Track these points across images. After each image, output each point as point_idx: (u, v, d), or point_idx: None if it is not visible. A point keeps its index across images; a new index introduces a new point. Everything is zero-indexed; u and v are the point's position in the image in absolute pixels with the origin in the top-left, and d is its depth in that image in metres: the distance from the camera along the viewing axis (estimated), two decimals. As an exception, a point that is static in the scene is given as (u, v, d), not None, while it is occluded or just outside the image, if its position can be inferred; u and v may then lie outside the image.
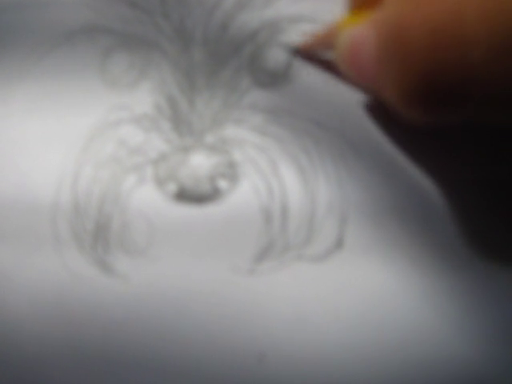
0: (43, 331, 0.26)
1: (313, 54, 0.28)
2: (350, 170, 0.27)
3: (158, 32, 0.28)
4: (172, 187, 0.27)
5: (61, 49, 0.28)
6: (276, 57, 0.28)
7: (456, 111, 0.23)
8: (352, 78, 0.26)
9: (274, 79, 0.27)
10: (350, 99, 0.27)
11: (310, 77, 0.28)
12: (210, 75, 0.27)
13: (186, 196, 0.27)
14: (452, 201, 0.27)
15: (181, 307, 0.26)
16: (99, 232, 0.27)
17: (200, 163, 0.27)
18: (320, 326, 0.26)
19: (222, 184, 0.27)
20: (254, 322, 0.26)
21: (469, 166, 0.27)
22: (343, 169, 0.27)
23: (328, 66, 0.27)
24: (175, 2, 0.28)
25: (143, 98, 0.28)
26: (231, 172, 0.27)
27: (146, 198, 0.27)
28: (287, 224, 0.27)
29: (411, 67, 0.22)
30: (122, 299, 0.27)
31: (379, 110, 0.27)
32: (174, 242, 0.27)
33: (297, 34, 0.28)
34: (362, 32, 0.24)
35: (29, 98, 0.28)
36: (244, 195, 0.27)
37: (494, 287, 0.26)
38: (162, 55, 0.28)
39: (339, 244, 0.26)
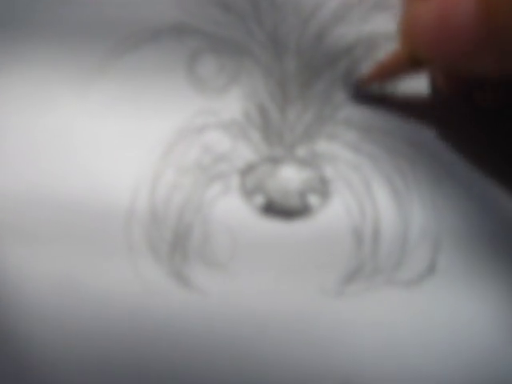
0: (110, 344, 0.25)
1: (375, 89, 0.27)
2: (445, 193, 0.26)
3: (250, 37, 0.27)
4: (259, 199, 0.26)
5: (145, 47, 0.27)
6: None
7: None
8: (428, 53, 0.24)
9: (368, 96, 0.27)
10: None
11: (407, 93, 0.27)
12: (303, 86, 0.27)
13: (274, 210, 0.26)
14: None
15: (261, 328, 0.25)
16: (177, 242, 0.26)
17: (290, 176, 0.26)
18: (408, 354, 0.25)
19: (313, 200, 0.26)
20: (339, 346, 0.25)
21: None
22: (438, 192, 0.26)
23: (392, 102, 0.27)
24: (269, 7, 0.27)
25: (232, 104, 0.27)
26: (322, 188, 0.26)
27: (231, 209, 0.26)
28: (378, 246, 0.26)
29: None
30: (198, 315, 0.25)
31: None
32: (257, 257, 0.25)
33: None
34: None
35: (108, 96, 0.27)
36: (335, 213, 0.26)
37: None
38: (254, 62, 0.27)
39: (431, 269, 0.25)
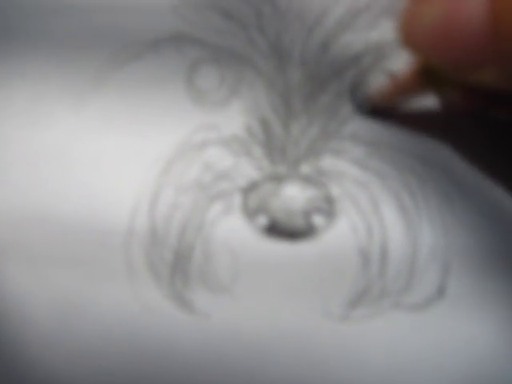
0: (110, 368, 0.24)
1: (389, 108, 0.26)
2: (455, 212, 0.25)
3: (252, 47, 0.26)
4: (262, 220, 0.25)
5: (143, 58, 0.26)
6: (380, 84, 0.26)
7: None
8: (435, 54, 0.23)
9: (375, 109, 0.26)
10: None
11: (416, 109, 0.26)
12: (307, 99, 0.25)
13: (278, 230, 0.25)
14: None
15: (265, 352, 0.24)
16: (178, 263, 0.25)
17: (294, 195, 0.25)
18: (415, 380, 0.24)
19: (318, 220, 0.25)
20: (344, 372, 0.24)
21: None
22: (449, 211, 0.25)
23: (406, 120, 0.26)
24: (272, 15, 0.26)
25: (233, 119, 0.26)
26: (328, 207, 0.25)
27: (233, 230, 0.25)
28: (386, 268, 0.25)
29: None
30: (200, 339, 0.24)
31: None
32: (261, 279, 0.25)
33: (403, 61, 0.26)
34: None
35: (105, 110, 0.26)
36: (341, 234, 0.25)
37: None
38: (256, 73, 0.26)
39: (441, 292, 0.25)
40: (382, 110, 0.25)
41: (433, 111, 0.26)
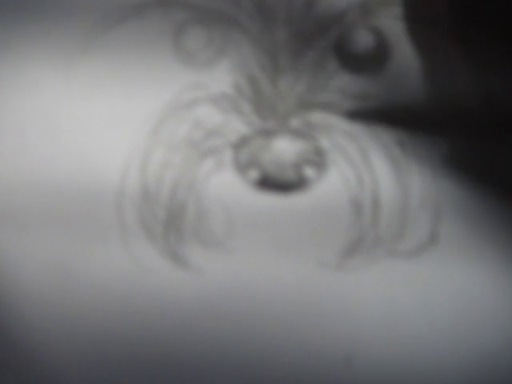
0: (108, 328, 0.25)
1: None
2: (445, 159, 0.26)
3: (237, 7, 0.27)
4: (253, 174, 0.25)
5: (130, 22, 0.27)
6: (365, 40, 0.26)
7: None
8: None
9: (362, 64, 0.26)
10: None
11: (403, 62, 0.27)
12: (294, 55, 0.26)
13: (269, 184, 0.25)
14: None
15: (261, 305, 0.25)
16: (171, 221, 0.25)
17: (284, 149, 0.26)
18: (412, 326, 0.25)
19: (309, 172, 0.25)
20: (341, 321, 0.25)
21: None
22: (438, 159, 0.26)
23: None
24: (256, -24, 0.27)
25: (221, 77, 0.26)
26: (318, 159, 0.25)
27: (225, 185, 0.26)
28: (378, 217, 0.25)
29: None
30: (196, 295, 0.25)
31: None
32: (254, 233, 0.25)
33: (386, 17, 0.27)
34: None
35: (93, 74, 0.27)
36: (332, 185, 0.25)
37: None
38: (242, 32, 0.26)
39: (433, 239, 0.25)
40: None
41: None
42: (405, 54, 0.27)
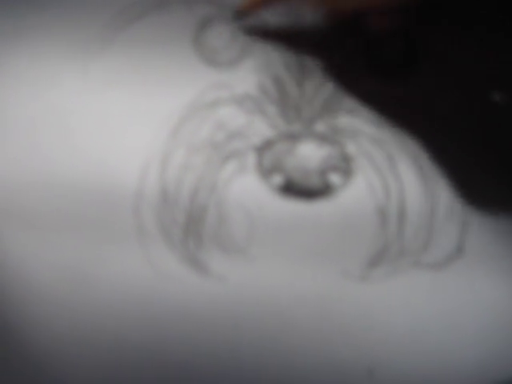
0: (124, 334, 0.24)
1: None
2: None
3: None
4: (277, 179, 0.25)
5: (151, 17, 0.26)
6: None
7: None
8: None
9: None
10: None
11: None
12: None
13: (293, 189, 0.25)
14: None
15: (282, 314, 0.24)
16: (191, 225, 0.25)
17: (309, 154, 0.25)
18: (436, 338, 0.24)
19: (334, 178, 0.25)
20: (364, 332, 0.24)
21: None
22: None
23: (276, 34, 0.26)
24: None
25: (246, 77, 0.26)
26: (344, 165, 0.25)
27: (247, 190, 0.25)
28: (404, 227, 0.25)
29: None
30: (215, 302, 0.24)
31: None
32: (277, 240, 0.25)
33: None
34: None
35: (111, 71, 0.26)
36: (358, 192, 0.25)
37: None
38: (268, 31, 0.26)
39: (460, 250, 0.25)
40: (257, 28, 0.26)
41: (305, 28, 0.26)
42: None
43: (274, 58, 0.26)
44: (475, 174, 0.25)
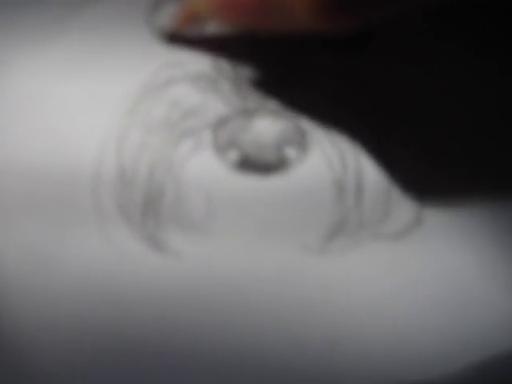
0: (87, 314, 0.24)
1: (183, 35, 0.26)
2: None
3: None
4: (233, 155, 0.25)
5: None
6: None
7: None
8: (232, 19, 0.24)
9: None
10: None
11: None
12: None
13: (249, 165, 0.25)
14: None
15: (242, 290, 0.25)
16: (149, 204, 0.25)
17: (265, 129, 0.25)
18: (397, 310, 0.25)
19: (290, 152, 0.25)
20: (325, 306, 0.25)
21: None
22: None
23: (204, 43, 0.26)
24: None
25: (199, 56, 0.26)
26: (300, 139, 0.25)
27: (204, 167, 0.25)
28: (362, 199, 0.25)
29: None
30: (175, 279, 0.25)
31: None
32: (234, 216, 0.25)
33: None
34: None
35: (68, 52, 0.26)
36: (314, 166, 0.25)
37: None
38: (221, 9, 0.26)
39: (418, 220, 0.25)
40: (178, 36, 0.26)
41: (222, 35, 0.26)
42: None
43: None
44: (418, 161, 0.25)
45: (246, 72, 0.26)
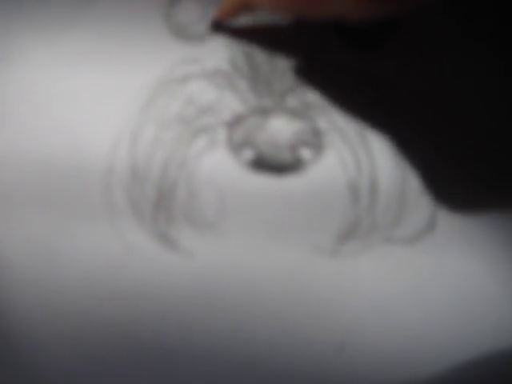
0: (94, 311, 0.24)
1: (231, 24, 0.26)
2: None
3: (234, -21, 0.26)
4: (248, 154, 0.25)
5: (121, -9, 0.26)
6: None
7: None
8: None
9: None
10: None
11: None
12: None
13: (264, 164, 0.25)
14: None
15: (253, 290, 0.25)
16: (161, 201, 0.25)
17: (280, 128, 0.25)
18: (407, 314, 0.25)
19: (305, 153, 0.25)
20: (335, 308, 0.25)
21: None
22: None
23: (249, 33, 0.26)
24: None
25: (216, 52, 0.26)
26: (315, 140, 0.25)
27: (218, 165, 0.25)
28: (375, 201, 0.25)
29: None
30: (186, 278, 0.24)
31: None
32: (247, 215, 0.25)
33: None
34: None
35: (81, 45, 0.26)
36: (329, 167, 0.25)
37: None
38: (239, 5, 0.26)
39: (431, 225, 0.25)
40: (234, 29, 0.26)
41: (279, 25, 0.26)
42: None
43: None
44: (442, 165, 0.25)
45: (263, 69, 0.26)
